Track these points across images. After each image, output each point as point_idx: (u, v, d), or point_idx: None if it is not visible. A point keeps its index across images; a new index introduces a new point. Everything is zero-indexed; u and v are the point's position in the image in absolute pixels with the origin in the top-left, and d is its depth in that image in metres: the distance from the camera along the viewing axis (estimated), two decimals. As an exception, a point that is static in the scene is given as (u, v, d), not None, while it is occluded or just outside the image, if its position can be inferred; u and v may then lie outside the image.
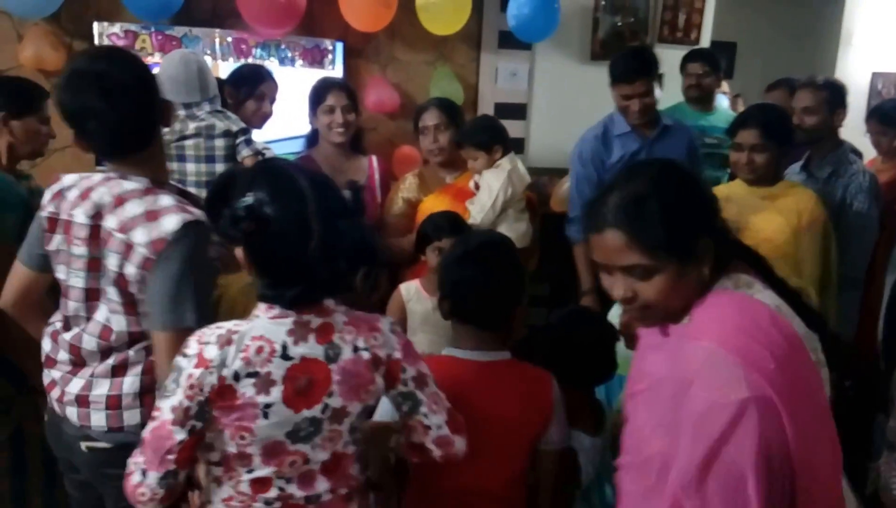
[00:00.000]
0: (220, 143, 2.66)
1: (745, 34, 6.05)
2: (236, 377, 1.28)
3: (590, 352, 1.84)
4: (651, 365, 1.30)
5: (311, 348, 1.32)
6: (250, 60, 3.35)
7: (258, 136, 2.96)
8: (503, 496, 1.68)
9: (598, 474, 1.86)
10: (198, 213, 1.57)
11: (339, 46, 3.54)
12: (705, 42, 4.10)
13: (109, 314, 1.62)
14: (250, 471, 1.34)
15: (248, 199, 1.27)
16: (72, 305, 1.65)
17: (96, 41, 3.19)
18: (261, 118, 2.98)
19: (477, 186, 2.78)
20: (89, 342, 1.64)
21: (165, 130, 2.61)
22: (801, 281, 2.42)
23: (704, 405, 1.09)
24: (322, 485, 1.38)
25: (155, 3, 3.07)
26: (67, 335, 1.67)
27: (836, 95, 2.92)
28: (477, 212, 2.71)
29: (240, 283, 1.99)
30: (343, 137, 2.87)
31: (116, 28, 3.21)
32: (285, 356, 1.30)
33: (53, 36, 3.21)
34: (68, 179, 1.67)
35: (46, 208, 1.66)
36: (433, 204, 2.84)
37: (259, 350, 1.29)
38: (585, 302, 2.87)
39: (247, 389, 1.29)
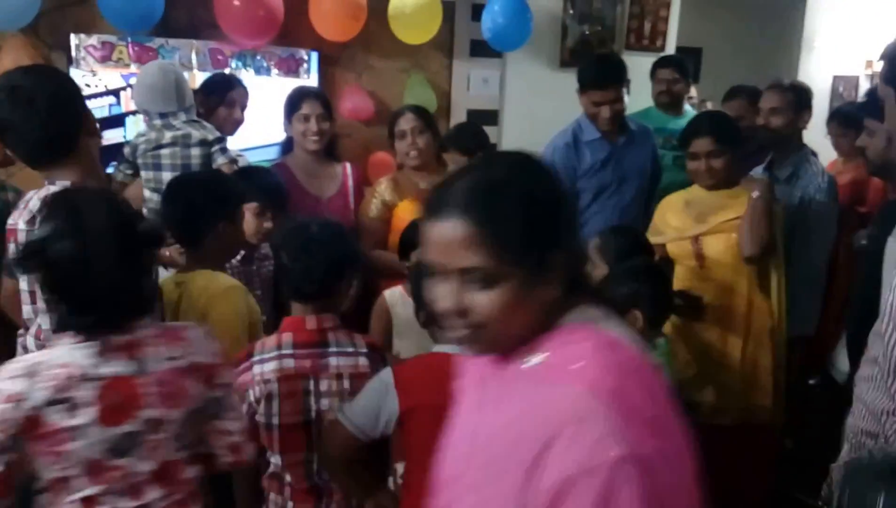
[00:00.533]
0: (195, 152, 2.71)
1: (710, 40, 6.20)
2: (43, 406, 1.32)
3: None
4: (485, 424, 1.00)
5: (119, 365, 1.37)
6: (227, 71, 3.41)
7: (234, 143, 3.03)
8: None
9: None
10: None
11: (314, 56, 3.61)
12: (671, 49, 4.23)
13: (42, 315, 1.73)
14: (77, 491, 1.38)
15: (33, 237, 1.36)
16: (25, 309, 1.78)
17: (73, 53, 3.22)
18: (232, 125, 3.03)
19: None
20: (32, 344, 1.74)
21: (141, 138, 2.71)
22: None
23: (562, 477, 0.85)
24: (153, 493, 1.43)
25: (134, 14, 3.11)
26: (24, 339, 1.79)
27: (801, 98, 3.01)
28: None
29: (200, 281, 2.02)
30: (317, 144, 2.92)
31: (93, 39, 3.24)
32: (92, 377, 1.35)
33: (31, 48, 3.23)
34: (31, 191, 1.81)
35: (9, 220, 1.79)
36: (408, 209, 2.89)
37: (64, 377, 1.33)
38: None
39: (55, 416, 1.33)
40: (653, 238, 2.66)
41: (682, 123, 3.73)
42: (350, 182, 3.06)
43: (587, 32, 4.05)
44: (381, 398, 1.70)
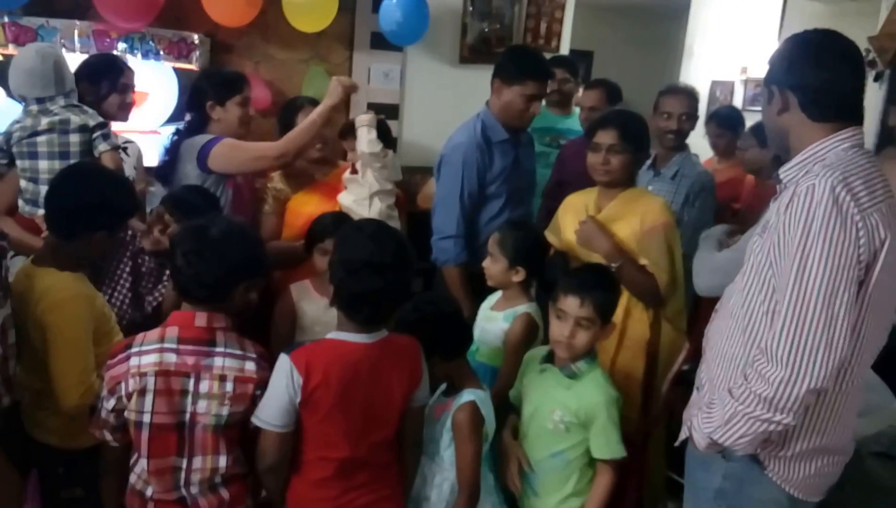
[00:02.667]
0: (75, 138, 2.55)
1: (601, 44, 6.45)
2: None
3: (447, 327, 2.00)
4: None
5: None
6: (114, 53, 3.25)
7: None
8: (382, 460, 1.84)
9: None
10: None
11: (207, 42, 3.49)
12: (565, 49, 4.35)
13: None
14: None
15: None
16: None
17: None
18: (126, 111, 2.87)
19: (354, 170, 2.71)
20: None
21: (16, 126, 2.54)
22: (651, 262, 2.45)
23: None
24: None
25: (4, -10, 2.91)
26: None
27: (697, 102, 3.21)
28: (372, 143, 2.62)
29: (45, 282, 1.93)
30: (248, 132, 2.80)
31: (-33, 17, 3.02)
32: None
33: None
34: None
35: None
36: (302, 201, 2.84)
37: None
38: None
39: None
40: (549, 236, 2.69)
41: (569, 122, 3.86)
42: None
43: (486, 30, 4.11)
44: (287, 387, 1.68)
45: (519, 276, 2.37)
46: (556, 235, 2.67)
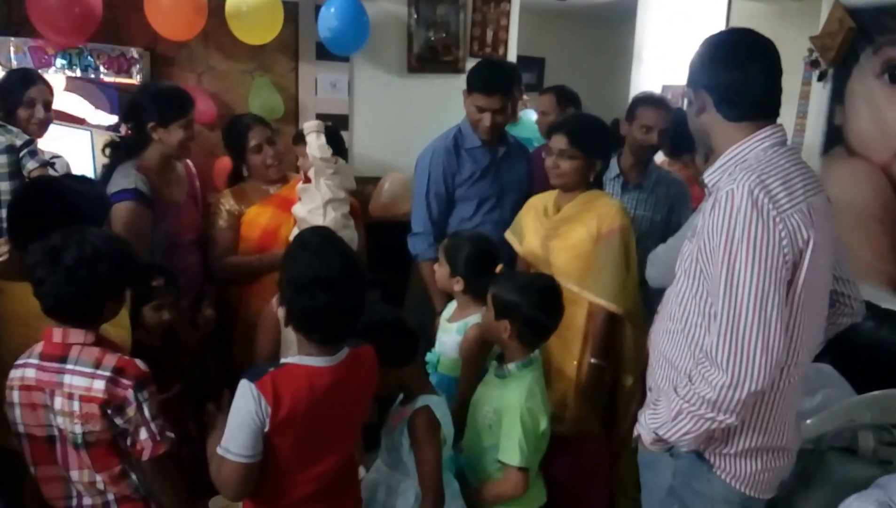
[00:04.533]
0: (2, 159, 2.48)
1: (551, 50, 6.48)
2: None
3: (392, 335, 1.99)
4: None
5: None
6: (51, 70, 3.15)
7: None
8: (346, 477, 1.85)
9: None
10: None
11: (147, 55, 3.40)
12: (512, 56, 4.35)
13: None
14: None
15: None
16: None
17: None
18: (37, 126, 2.76)
19: (307, 180, 2.68)
20: None
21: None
22: (598, 292, 2.47)
23: None
24: None
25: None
26: None
27: (674, 114, 3.16)
28: (322, 148, 2.61)
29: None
30: (188, 153, 2.76)
31: None
32: None
33: None
34: None
35: None
36: (257, 214, 2.83)
37: None
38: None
39: None
40: (510, 237, 2.71)
41: (516, 130, 3.86)
42: (196, 182, 2.90)
43: (433, 39, 4.09)
44: (256, 415, 1.60)
45: (459, 285, 2.36)
46: (518, 236, 2.72)
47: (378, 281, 3.22)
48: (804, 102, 3.70)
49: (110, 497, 1.77)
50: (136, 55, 3.36)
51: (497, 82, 2.84)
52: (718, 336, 1.53)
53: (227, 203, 2.85)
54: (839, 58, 3.43)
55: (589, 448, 2.59)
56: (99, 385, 1.69)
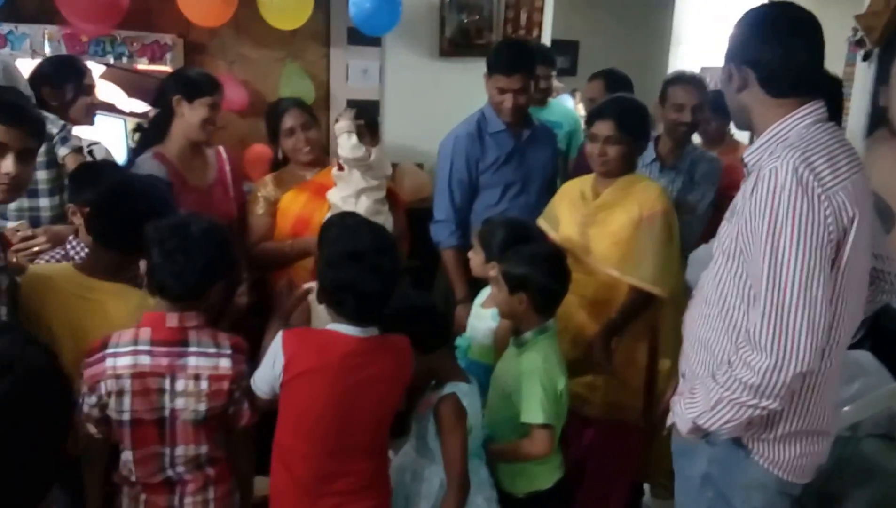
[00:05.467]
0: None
1: (587, 33, 6.38)
2: None
3: (423, 321, 2.00)
4: None
5: None
6: (85, 57, 3.18)
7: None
8: (369, 467, 1.86)
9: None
10: None
11: (180, 43, 3.42)
12: (546, 40, 4.28)
13: None
14: None
15: None
16: None
17: None
18: (91, 113, 2.80)
19: (341, 167, 2.70)
20: None
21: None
22: (641, 276, 2.42)
23: None
24: None
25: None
26: None
27: (706, 92, 3.11)
28: (354, 148, 2.60)
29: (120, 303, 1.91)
30: (210, 137, 2.73)
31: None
32: None
33: None
34: None
35: None
36: (292, 200, 2.83)
37: None
38: (461, 312, 2.75)
39: None
40: (543, 225, 2.66)
41: (545, 113, 3.79)
42: (227, 168, 2.88)
43: (465, 22, 4.04)
44: (273, 365, 1.75)
45: (494, 271, 2.32)
46: (552, 223, 2.65)
47: (407, 269, 3.22)
48: (848, 84, 3.59)
49: (203, 459, 1.83)
50: (168, 42, 3.38)
51: (517, 62, 2.79)
52: (762, 318, 1.50)
53: (265, 189, 2.85)
54: (884, 38, 3.32)
55: (620, 433, 2.55)
56: (225, 363, 1.79)
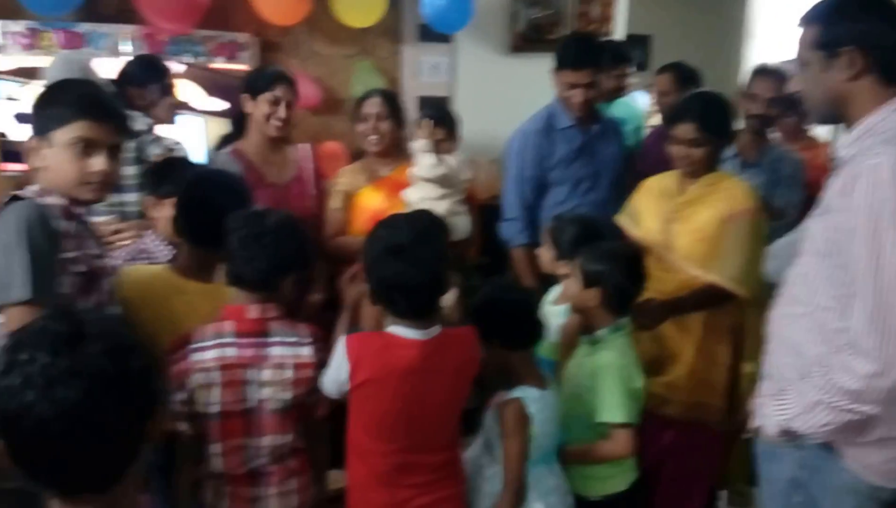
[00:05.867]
0: (128, 144, 2.54)
1: (659, 27, 6.22)
2: None
3: (513, 315, 1.95)
4: None
5: None
6: (164, 57, 3.25)
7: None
8: (442, 459, 1.84)
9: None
10: (41, 199, 1.64)
11: (256, 41, 3.47)
12: (619, 34, 4.20)
13: None
14: None
15: None
16: None
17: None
18: (173, 112, 2.87)
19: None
20: None
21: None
22: (725, 274, 2.32)
23: None
24: None
25: (52, -1, 2.93)
26: None
27: (786, 84, 3.03)
28: (434, 167, 2.62)
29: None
30: (282, 131, 2.73)
31: (20, 26, 3.07)
32: None
33: (-49, 36, 3.04)
34: None
35: None
36: (369, 196, 2.83)
37: None
38: None
39: None
40: (624, 221, 2.60)
41: (611, 110, 3.72)
42: (310, 165, 2.89)
43: (537, 17, 3.99)
44: (339, 369, 1.74)
45: (564, 269, 2.28)
46: (633, 219, 2.58)
47: (477, 266, 3.20)
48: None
49: (286, 451, 1.85)
50: (244, 41, 3.43)
51: (585, 56, 2.75)
52: (865, 322, 1.42)
53: (342, 182, 2.86)
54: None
55: (701, 435, 2.46)
56: (307, 352, 1.82)
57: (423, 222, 1.78)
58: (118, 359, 0.95)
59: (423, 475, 1.79)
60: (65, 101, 1.66)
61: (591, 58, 2.76)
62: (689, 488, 2.52)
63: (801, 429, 1.58)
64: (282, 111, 2.68)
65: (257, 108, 2.68)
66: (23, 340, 0.94)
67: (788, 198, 3.00)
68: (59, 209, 1.65)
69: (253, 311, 1.79)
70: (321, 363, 1.81)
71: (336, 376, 1.75)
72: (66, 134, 1.65)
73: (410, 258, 1.67)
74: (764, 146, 3.06)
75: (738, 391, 2.46)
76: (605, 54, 2.85)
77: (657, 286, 2.31)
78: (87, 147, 1.66)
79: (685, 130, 2.35)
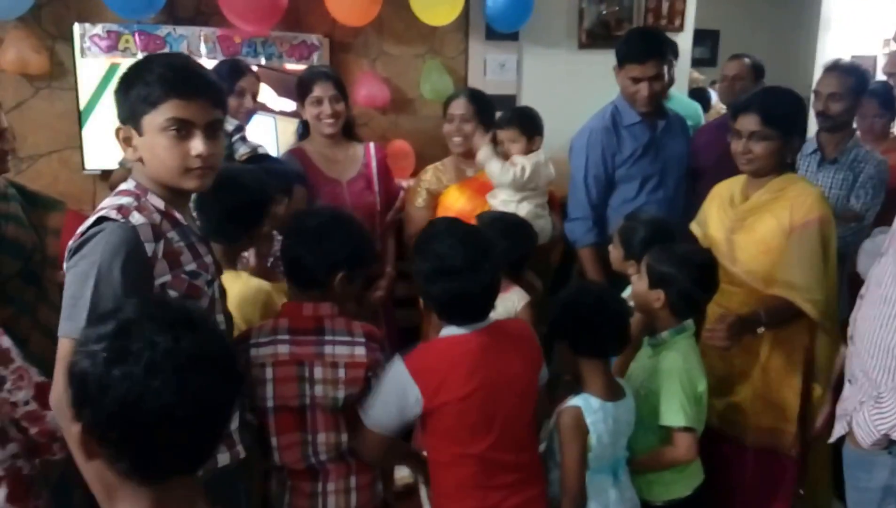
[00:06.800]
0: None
1: (727, 22, 6.09)
2: None
3: (606, 324, 1.89)
4: None
5: None
6: (237, 58, 3.31)
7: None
8: (525, 457, 1.81)
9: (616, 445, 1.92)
10: (132, 218, 1.46)
11: (326, 42, 3.50)
12: (689, 29, 4.11)
13: None
14: None
15: None
16: None
17: (77, 43, 3.13)
18: (245, 115, 2.92)
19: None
20: None
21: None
22: (790, 288, 2.16)
23: None
24: None
25: (138, 1, 3.00)
26: None
27: (861, 81, 2.92)
28: (502, 173, 2.64)
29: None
30: (333, 127, 2.80)
31: (98, 29, 3.15)
32: None
33: (35, 38, 3.14)
34: None
35: None
36: (454, 197, 2.85)
37: None
38: None
39: None
40: (695, 229, 2.52)
41: (670, 104, 3.64)
42: (374, 163, 2.93)
43: (604, 13, 3.93)
44: (400, 397, 1.71)
45: (633, 268, 2.24)
46: (702, 227, 2.48)
47: (560, 268, 3.16)
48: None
49: (344, 448, 1.85)
50: (316, 42, 3.47)
51: (650, 48, 2.71)
52: None
53: (427, 181, 2.90)
54: None
55: (775, 465, 2.34)
56: (360, 351, 1.80)
57: (473, 239, 1.77)
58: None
59: (511, 474, 1.77)
60: (149, 80, 1.45)
61: (655, 50, 2.72)
62: None
63: None
64: (327, 108, 2.76)
65: (307, 111, 2.81)
66: (129, 328, 0.92)
67: (866, 200, 2.91)
68: (149, 229, 1.48)
69: (307, 309, 1.82)
70: (374, 362, 1.81)
71: (397, 406, 1.71)
72: (157, 117, 1.45)
73: (466, 279, 1.69)
74: (844, 144, 2.96)
75: (809, 414, 2.32)
76: (669, 45, 2.81)
77: (722, 301, 2.22)
78: (181, 129, 1.46)
79: (746, 122, 2.22)
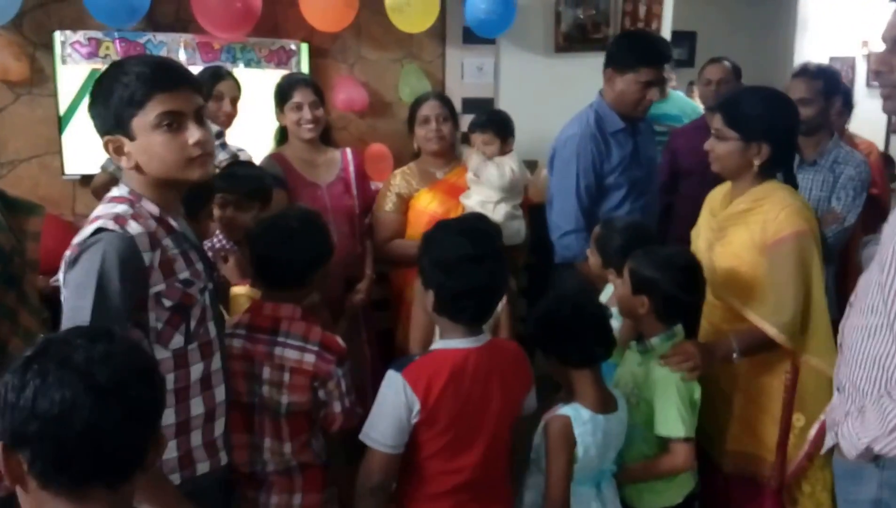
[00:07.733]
0: None
1: (704, 23, 6.13)
2: None
3: (588, 330, 1.83)
4: None
5: None
6: (216, 63, 3.35)
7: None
8: (496, 475, 1.79)
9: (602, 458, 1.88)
10: (130, 227, 1.46)
11: (304, 47, 3.54)
12: (666, 32, 4.15)
13: None
14: None
15: None
16: None
17: (58, 50, 3.17)
18: (224, 119, 2.96)
19: (475, 175, 2.76)
20: None
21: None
22: (759, 313, 2.06)
23: None
24: None
25: (120, 9, 3.04)
26: None
27: (830, 83, 2.93)
28: (500, 176, 2.67)
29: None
30: (313, 132, 2.85)
31: (79, 36, 3.19)
32: None
33: (16, 46, 3.18)
34: None
35: None
36: (426, 200, 2.86)
37: None
38: None
39: None
40: (693, 235, 2.42)
41: (664, 107, 3.70)
42: (351, 168, 2.98)
43: (581, 17, 3.98)
44: (402, 408, 1.64)
45: (612, 275, 2.23)
46: (694, 235, 2.39)
47: (528, 264, 3.20)
48: None
49: (294, 463, 1.84)
50: (293, 48, 3.51)
51: (664, 51, 2.68)
52: None
53: (396, 184, 2.90)
54: None
55: (752, 490, 2.22)
56: (309, 359, 1.80)
57: (489, 230, 1.80)
58: (143, 353, 1.05)
59: (480, 489, 1.75)
60: (127, 82, 1.44)
61: (668, 52, 2.71)
62: None
63: (884, 451, 1.49)
64: (307, 114, 2.80)
65: (287, 117, 2.84)
66: (47, 347, 0.97)
67: (847, 202, 2.92)
68: (146, 238, 1.47)
69: (267, 308, 1.85)
70: (322, 373, 1.79)
71: (396, 418, 1.64)
72: (147, 116, 1.44)
73: (489, 267, 1.67)
74: (823, 146, 2.99)
75: (786, 443, 2.15)
76: (670, 48, 2.80)
77: (707, 315, 2.18)
78: (173, 122, 1.46)
79: (714, 119, 2.17)
